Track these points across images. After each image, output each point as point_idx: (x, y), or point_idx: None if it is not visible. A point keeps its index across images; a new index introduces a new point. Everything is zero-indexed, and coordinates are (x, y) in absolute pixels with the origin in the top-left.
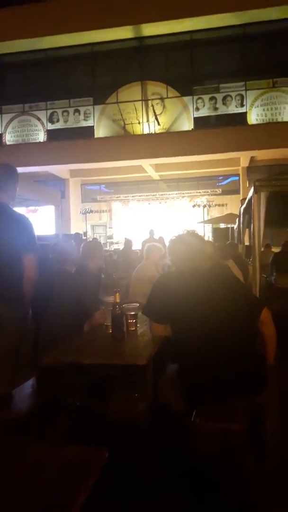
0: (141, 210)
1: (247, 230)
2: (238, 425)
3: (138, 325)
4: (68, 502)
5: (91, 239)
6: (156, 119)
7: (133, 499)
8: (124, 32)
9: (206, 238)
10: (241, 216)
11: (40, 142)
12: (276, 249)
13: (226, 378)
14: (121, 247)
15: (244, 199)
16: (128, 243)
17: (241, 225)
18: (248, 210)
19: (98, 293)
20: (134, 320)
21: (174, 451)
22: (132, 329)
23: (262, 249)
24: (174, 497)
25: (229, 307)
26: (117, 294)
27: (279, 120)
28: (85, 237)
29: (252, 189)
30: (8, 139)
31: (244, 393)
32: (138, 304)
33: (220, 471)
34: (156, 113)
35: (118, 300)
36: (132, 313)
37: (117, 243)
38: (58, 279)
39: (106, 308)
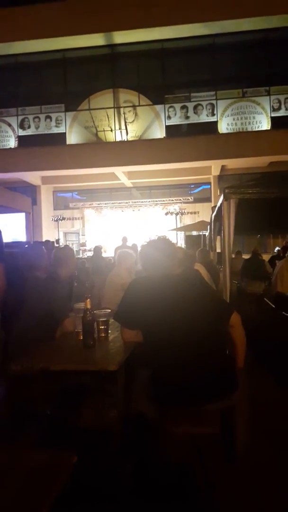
0: (114, 218)
1: (218, 237)
2: (209, 429)
3: (109, 331)
4: (36, 506)
5: (63, 246)
6: (126, 128)
7: (104, 507)
8: (96, 39)
9: (178, 245)
10: (212, 223)
11: (10, 148)
12: (246, 256)
13: (196, 382)
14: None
15: (215, 206)
16: (97, 250)
17: (212, 232)
18: (218, 217)
19: (69, 301)
20: (105, 327)
21: (145, 457)
22: (103, 335)
23: (233, 256)
24: (144, 504)
25: (199, 311)
26: (88, 300)
27: (249, 129)
28: (57, 245)
29: (222, 197)
30: None
31: (214, 397)
32: (109, 310)
33: (190, 476)
34: (126, 122)
35: (88, 306)
36: (103, 319)
37: (89, 250)
38: (29, 286)
39: (76, 315)
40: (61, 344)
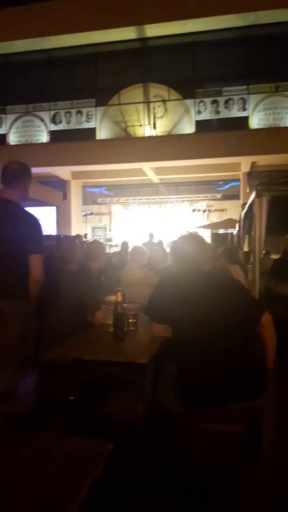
0: (141, 214)
1: (246, 236)
2: (235, 427)
3: (139, 325)
4: (73, 492)
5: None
6: (154, 123)
7: (128, 502)
8: (127, 33)
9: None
10: (242, 221)
11: (43, 143)
12: (275, 256)
13: (225, 380)
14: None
15: (245, 203)
16: (124, 245)
17: (241, 231)
18: (249, 215)
19: (99, 293)
20: (135, 320)
21: (170, 453)
22: (132, 328)
23: (262, 256)
24: (168, 501)
25: (230, 309)
26: (119, 293)
27: (281, 125)
28: (85, 239)
29: (254, 193)
30: (12, 139)
31: (243, 396)
32: (139, 304)
33: (215, 474)
34: (155, 117)
35: (120, 299)
36: (133, 312)
37: (116, 245)
38: (62, 278)
39: (107, 307)
40: (93, 335)
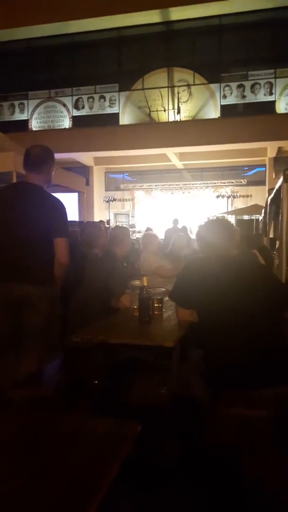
0: (164, 200)
1: (273, 222)
2: (262, 413)
3: (163, 309)
4: (104, 472)
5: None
6: (178, 108)
7: (153, 486)
8: (151, 17)
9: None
10: (268, 207)
11: (65, 129)
12: None
13: (251, 365)
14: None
15: (272, 189)
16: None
17: (267, 216)
18: (276, 201)
19: (125, 278)
20: (160, 305)
21: (195, 438)
22: (157, 313)
23: None
24: (193, 485)
25: (257, 294)
26: (145, 277)
27: None
28: (108, 225)
29: (281, 178)
30: (34, 125)
31: (269, 380)
32: (164, 289)
33: (240, 459)
34: (179, 102)
35: (145, 284)
36: (159, 297)
37: (139, 232)
38: (87, 263)
39: (132, 292)
40: (118, 319)
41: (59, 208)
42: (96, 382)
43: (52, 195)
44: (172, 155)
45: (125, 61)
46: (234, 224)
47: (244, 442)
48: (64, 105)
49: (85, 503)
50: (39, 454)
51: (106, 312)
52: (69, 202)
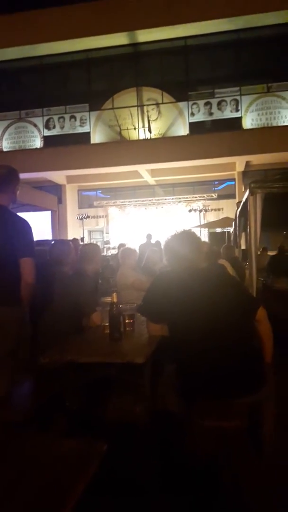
0: (138, 215)
1: (243, 233)
2: (236, 423)
3: (135, 325)
4: (66, 492)
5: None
6: (149, 126)
7: (131, 500)
8: (119, 39)
9: (204, 241)
10: (237, 219)
11: (36, 149)
12: (272, 253)
13: (223, 375)
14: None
15: (240, 202)
16: (121, 248)
17: (237, 229)
18: (244, 213)
19: (95, 296)
20: (131, 320)
21: (173, 451)
22: (129, 329)
23: (259, 252)
24: (172, 497)
25: (225, 305)
26: (115, 294)
27: (274, 124)
28: (82, 243)
29: (248, 191)
30: (5, 145)
31: (242, 390)
32: (135, 304)
33: (218, 469)
34: (149, 120)
35: (115, 300)
36: (129, 313)
37: (114, 248)
38: (56, 281)
39: (103, 309)
40: (89, 338)
41: (24, 227)
42: (67, 403)
43: (17, 214)
44: (144, 171)
45: (95, 81)
46: (206, 237)
47: (220, 453)
48: (35, 126)
49: None
50: (6, 474)
51: (77, 331)
52: (42, 221)
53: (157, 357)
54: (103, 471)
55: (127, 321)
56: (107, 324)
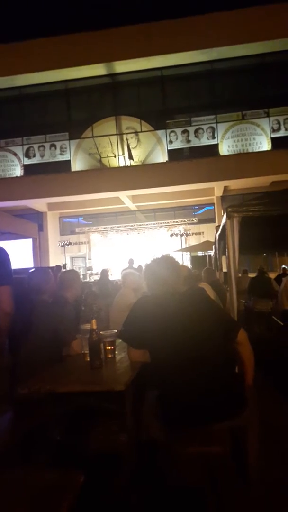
0: (120, 241)
1: (223, 256)
2: (219, 448)
3: (116, 352)
4: None
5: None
6: (129, 153)
7: None
8: (97, 69)
9: (183, 264)
10: (217, 242)
11: (16, 177)
12: (253, 275)
13: (204, 401)
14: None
15: (219, 226)
16: (104, 273)
17: (217, 252)
18: (222, 237)
19: (76, 323)
20: (111, 347)
21: (157, 480)
22: (110, 356)
23: (240, 275)
24: None
25: (205, 329)
26: (94, 320)
27: (250, 150)
28: (64, 269)
29: (225, 216)
30: None
31: (224, 415)
32: (116, 331)
33: (202, 499)
34: (129, 149)
35: (94, 327)
36: (110, 339)
37: (96, 274)
38: (36, 310)
39: (83, 336)
40: (68, 366)
41: (2, 255)
42: (51, 435)
43: None
44: (125, 197)
45: (74, 110)
46: (188, 260)
47: (206, 481)
48: (15, 154)
49: None
50: None
51: (57, 360)
52: (23, 249)
53: (140, 384)
54: (85, 501)
55: (107, 348)
56: (87, 352)
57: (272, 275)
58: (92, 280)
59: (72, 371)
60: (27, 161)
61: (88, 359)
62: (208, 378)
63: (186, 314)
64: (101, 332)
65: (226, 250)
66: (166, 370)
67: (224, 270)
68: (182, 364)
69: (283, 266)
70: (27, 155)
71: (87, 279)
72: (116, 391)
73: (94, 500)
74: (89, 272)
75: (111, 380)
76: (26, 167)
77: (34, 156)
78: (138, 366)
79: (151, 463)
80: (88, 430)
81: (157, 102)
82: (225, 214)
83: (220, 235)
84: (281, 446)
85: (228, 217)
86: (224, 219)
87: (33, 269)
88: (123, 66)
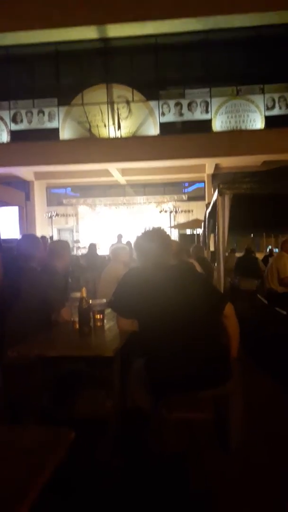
0: (108, 215)
1: (212, 235)
2: (203, 415)
3: (105, 321)
4: (32, 478)
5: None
6: (119, 124)
7: (100, 495)
8: (88, 32)
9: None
10: (206, 220)
11: (3, 143)
12: (240, 254)
13: (190, 370)
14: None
15: (209, 203)
16: (92, 247)
17: (206, 230)
18: (212, 214)
19: (65, 293)
20: (101, 316)
21: (141, 445)
22: (99, 324)
23: (227, 254)
24: (140, 492)
25: (194, 301)
26: (84, 288)
27: (243, 127)
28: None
29: (216, 192)
30: None
31: (208, 384)
32: (105, 300)
33: (185, 462)
34: (119, 118)
35: (84, 295)
36: (99, 308)
37: (84, 247)
38: (25, 277)
39: (72, 305)
40: (58, 333)
41: None
42: (38, 400)
43: None
44: (115, 170)
45: (64, 75)
46: (177, 238)
47: (189, 445)
48: (2, 119)
49: (14, 507)
50: None
51: (46, 326)
52: (9, 217)
53: (127, 353)
54: (70, 463)
55: (96, 316)
56: (76, 320)
57: (259, 256)
58: (80, 254)
59: (61, 337)
60: (14, 127)
61: (77, 327)
62: (194, 347)
63: (175, 286)
64: (90, 301)
65: (216, 228)
66: (154, 339)
67: (212, 249)
68: (170, 334)
69: (269, 246)
70: (14, 120)
71: (74, 253)
72: (105, 357)
73: (79, 463)
74: (76, 245)
75: (100, 346)
76: (13, 133)
77: (21, 121)
78: (126, 335)
79: (135, 430)
80: (75, 396)
81: (151, 72)
82: (216, 190)
83: (210, 212)
84: (261, 417)
85: (220, 194)
86: (215, 196)
87: (21, 236)
88: (116, 30)
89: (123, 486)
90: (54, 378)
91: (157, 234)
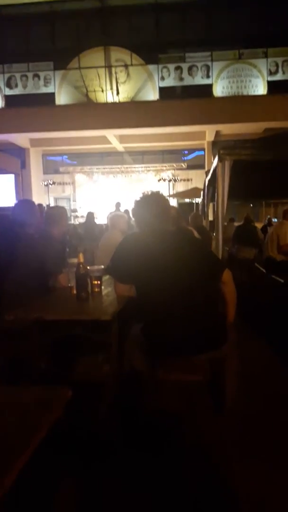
0: (106, 183)
1: (211, 204)
2: (198, 377)
3: (102, 287)
4: (31, 433)
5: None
6: (117, 89)
7: (97, 456)
8: None
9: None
10: (206, 189)
11: None
12: (238, 224)
13: (187, 333)
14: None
15: (208, 170)
16: (90, 216)
17: (205, 199)
18: (212, 182)
19: (63, 260)
20: (98, 282)
21: (137, 407)
22: (96, 290)
23: (226, 223)
24: (135, 453)
25: (192, 266)
26: (81, 254)
27: (245, 93)
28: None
29: (216, 158)
30: None
31: (204, 347)
32: (103, 266)
33: (181, 423)
34: (117, 83)
35: (82, 260)
36: (97, 274)
37: (82, 216)
38: (21, 242)
39: (70, 270)
40: (55, 298)
41: None
42: (36, 364)
43: None
44: (112, 137)
45: (59, 37)
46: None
47: (184, 407)
48: None
49: (10, 461)
50: None
51: (43, 292)
52: (5, 184)
53: (124, 318)
54: (67, 425)
55: (94, 282)
56: (73, 285)
57: (258, 225)
58: (77, 222)
59: (59, 302)
60: (8, 92)
61: (75, 292)
62: (192, 312)
63: (173, 252)
64: (88, 267)
65: (215, 195)
66: (151, 304)
67: (211, 218)
68: (167, 299)
69: (268, 216)
70: (8, 84)
71: (72, 221)
72: (102, 320)
73: (76, 426)
74: (74, 214)
75: (97, 310)
76: (8, 98)
77: (16, 86)
78: (123, 300)
79: (132, 391)
80: (73, 359)
81: (150, 34)
82: (216, 156)
83: (209, 180)
84: (256, 379)
85: (220, 160)
86: (215, 163)
87: (17, 201)
88: None
89: (120, 443)
90: (52, 343)
91: (156, 199)
